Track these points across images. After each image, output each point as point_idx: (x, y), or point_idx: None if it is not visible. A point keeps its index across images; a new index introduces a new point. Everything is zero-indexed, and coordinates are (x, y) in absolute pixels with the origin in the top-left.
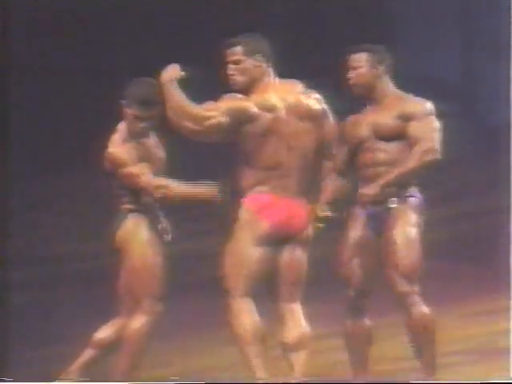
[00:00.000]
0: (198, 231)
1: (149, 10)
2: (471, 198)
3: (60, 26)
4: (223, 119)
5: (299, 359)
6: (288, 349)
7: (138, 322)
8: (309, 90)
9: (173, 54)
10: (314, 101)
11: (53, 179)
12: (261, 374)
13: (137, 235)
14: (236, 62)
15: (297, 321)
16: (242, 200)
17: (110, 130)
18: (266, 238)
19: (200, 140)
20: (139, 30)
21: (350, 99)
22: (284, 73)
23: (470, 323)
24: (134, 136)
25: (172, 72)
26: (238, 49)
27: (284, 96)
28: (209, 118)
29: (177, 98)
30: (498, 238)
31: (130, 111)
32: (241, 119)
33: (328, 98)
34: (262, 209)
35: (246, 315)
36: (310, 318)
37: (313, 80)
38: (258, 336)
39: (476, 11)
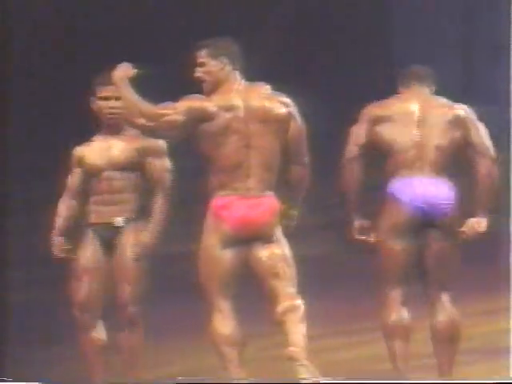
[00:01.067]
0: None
1: (150, 10)
2: (471, 197)
3: (60, 26)
4: (178, 117)
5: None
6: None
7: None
8: (276, 93)
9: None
10: (279, 104)
11: (53, 179)
12: (236, 376)
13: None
14: (201, 65)
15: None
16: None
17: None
18: (229, 239)
19: (155, 136)
20: (139, 29)
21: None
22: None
23: (469, 323)
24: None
25: (123, 71)
26: (204, 51)
27: (246, 98)
28: (163, 115)
29: (129, 95)
30: (498, 238)
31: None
32: (197, 117)
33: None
34: (223, 211)
35: (219, 319)
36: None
37: (300, 82)
38: (230, 339)
39: (476, 11)
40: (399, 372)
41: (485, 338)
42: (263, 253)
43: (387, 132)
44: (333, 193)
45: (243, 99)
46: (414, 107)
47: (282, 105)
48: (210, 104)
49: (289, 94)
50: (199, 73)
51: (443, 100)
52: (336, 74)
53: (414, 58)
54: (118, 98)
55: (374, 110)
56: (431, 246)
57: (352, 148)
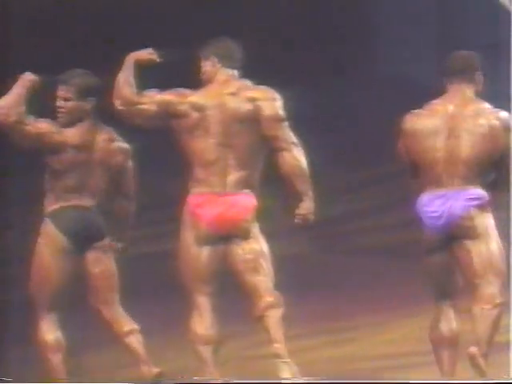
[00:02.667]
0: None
1: (150, 10)
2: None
3: (60, 25)
4: (151, 107)
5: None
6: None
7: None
8: (254, 87)
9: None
10: (245, 101)
11: None
12: (211, 375)
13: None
14: (199, 64)
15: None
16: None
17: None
18: (206, 237)
19: (124, 120)
20: (140, 28)
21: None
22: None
23: (469, 319)
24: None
25: (140, 53)
26: (201, 52)
27: (223, 96)
28: (137, 103)
29: (121, 76)
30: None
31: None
32: (170, 112)
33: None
34: (197, 208)
35: (196, 316)
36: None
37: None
38: (205, 338)
39: (476, 11)
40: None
41: None
42: (241, 248)
43: (415, 147)
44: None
45: (220, 98)
46: (444, 119)
47: (248, 101)
48: (183, 101)
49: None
50: (201, 72)
51: (483, 106)
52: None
53: (414, 57)
54: (67, 99)
55: (406, 123)
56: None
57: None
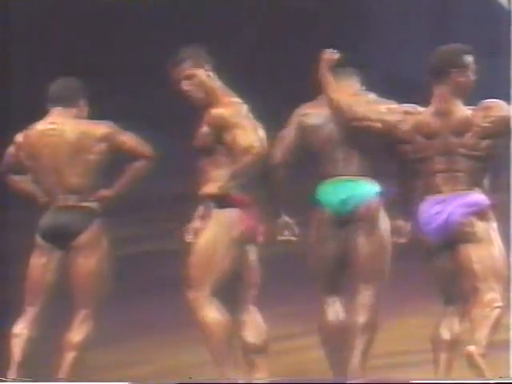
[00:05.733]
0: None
1: (149, 9)
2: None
3: (59, 25)
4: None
5: (261, 361)
6: (249, 350)
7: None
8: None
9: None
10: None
11: None
12: (228, 371)
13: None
14: (188, 77)
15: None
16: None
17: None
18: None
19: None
20: (140, 27)
21: None
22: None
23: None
24: None
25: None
26: (187, 63)
27: None
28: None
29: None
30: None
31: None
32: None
33: None
34: None
35: (213, 313)
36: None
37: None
38: (224, 334)
39: (476, 11)
40: None
41: None
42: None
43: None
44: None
45: None
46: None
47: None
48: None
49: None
50: (187, 86)
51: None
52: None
53: (414, 57)
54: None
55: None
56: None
57: None
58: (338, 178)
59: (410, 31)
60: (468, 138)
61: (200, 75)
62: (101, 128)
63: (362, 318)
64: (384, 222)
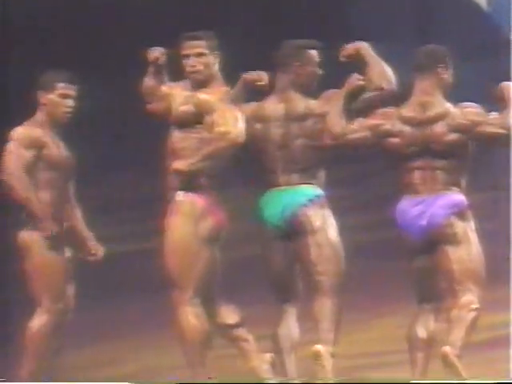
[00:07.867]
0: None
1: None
2: (471, 197)
3: (59, 25)
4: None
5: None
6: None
7: (38, 322)
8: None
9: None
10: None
11: None
12: (199, 374)
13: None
14: (199, 55)
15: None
16: None
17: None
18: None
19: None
20: (139, 25)
21: None
22: None
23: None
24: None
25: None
26: (203, 42)
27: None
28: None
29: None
30: (498, 234)
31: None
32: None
33: None
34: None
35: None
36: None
37: None
38: (199, 339)
39: (476, 11)
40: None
41: (485, 330)
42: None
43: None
44: None
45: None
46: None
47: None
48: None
49: None
50: (195, 62)
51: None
52: None
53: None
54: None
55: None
56: None
57: None
58: (277, 188)
59: (409, 31)
60: (442, 132)
61: (210, 58)
62: None
63: (321, 325)
64: (329, 225)
